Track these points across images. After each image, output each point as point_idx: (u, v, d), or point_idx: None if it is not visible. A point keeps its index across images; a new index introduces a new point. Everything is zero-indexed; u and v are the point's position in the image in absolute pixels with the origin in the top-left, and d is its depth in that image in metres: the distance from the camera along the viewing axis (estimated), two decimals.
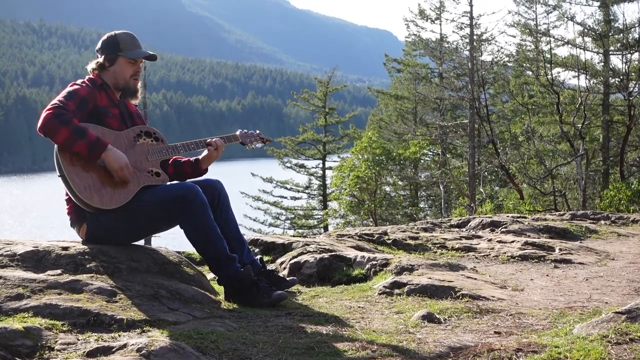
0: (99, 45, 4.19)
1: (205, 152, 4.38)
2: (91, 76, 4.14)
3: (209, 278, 4.39)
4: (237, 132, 4.54)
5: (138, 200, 3.86)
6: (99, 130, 3.87)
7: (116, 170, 3.81)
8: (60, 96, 3.85)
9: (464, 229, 7.96)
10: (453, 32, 30.95)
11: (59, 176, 3.75)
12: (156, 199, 3.86)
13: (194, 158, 4.41)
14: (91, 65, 4.18)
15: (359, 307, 3.89)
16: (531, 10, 30.13)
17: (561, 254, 5.93)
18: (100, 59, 4.13)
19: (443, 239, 6.76)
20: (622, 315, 3.03)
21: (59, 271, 3.55)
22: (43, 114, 3.71)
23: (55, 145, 3.75)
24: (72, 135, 3.68)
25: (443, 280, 4.34)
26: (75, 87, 3.96)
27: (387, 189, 31.98)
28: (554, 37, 25.63)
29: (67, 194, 3.88)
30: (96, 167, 3.80)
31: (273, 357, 2.74)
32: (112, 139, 3.90)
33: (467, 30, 29.31)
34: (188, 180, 4.26)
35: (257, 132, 4.65)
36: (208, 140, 4.35)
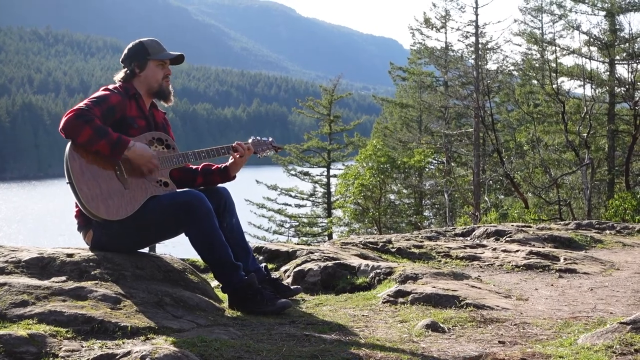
0: (124, 55, 4.18)
1: (231, 159, 4.33)
2: (122, 84, 4.11)
3: (213, 286, 4.39)
4: (250, 140, 4.47)
5: (144, 208, 3.85)
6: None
7: (145, 163, 3.86)
8: (88, 100, 3.84)
9: (468, 238, 7.95)
10: (458, 40, 30.96)
11: (67, 183, 3.74)
12: (162, 207, 3.86)
13: (223, 165, 4.37)
14: (119, 75, 4.16)
15: (363, 315, 3.88)
16: (537, 19, 30.22)
17: (566, 264, 5.91)
18: (130, 67, 4.12)
19: (447, 247, 6.76)
20: (627, 325, 3.03)
21: (63, 278, 3.56)
22: (66, 115, 3.71)
23: (66, 152, 3.74)
24: (94, 134, 3.68)
25: (447, 289, 4.33)
26: (106, 92, 3.94)
27: (392, 197, 31.91)
28: (559, 46, 25.70)
29: None
30: (105, 178, 3.79)
31: None
32: None
33: (473, 38, 29.36)
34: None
35: (270, 139, 4.56)
36: (234, 145, 4.28)
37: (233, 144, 4.30)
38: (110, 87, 4.04)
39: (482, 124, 24.17)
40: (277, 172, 35.07)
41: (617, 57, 24.11)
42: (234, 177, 4.39)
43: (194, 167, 4.36)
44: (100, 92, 3.95)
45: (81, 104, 3.79)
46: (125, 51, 4.18)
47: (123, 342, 2.92)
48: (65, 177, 3.74)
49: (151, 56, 4.14)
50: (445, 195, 28.58)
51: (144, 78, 4.14)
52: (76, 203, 3.92)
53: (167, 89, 4.23)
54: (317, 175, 33.62)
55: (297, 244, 7.18)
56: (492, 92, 27.00)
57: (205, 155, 4.20)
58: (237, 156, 4.30)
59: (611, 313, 3.94)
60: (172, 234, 4.05)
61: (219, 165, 4.38)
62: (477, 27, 28.93)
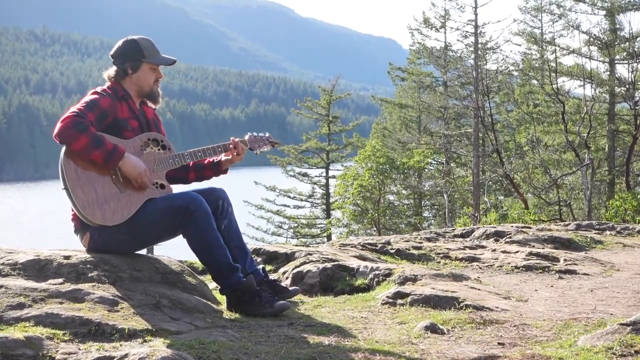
0: (115, 51, 4.10)
1: (225, 156, 4.29)
2: (111, 84, 4.07)
3: (211, 287, 4.37)
4: (246, 137, 4.41)
5: (141, 211, 3.84)
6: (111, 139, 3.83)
7: (135, 178, 3.81)
8: (80, 105, 3.80)
9: (467, 239, 7.93)
10: (458, 40, 30.92)
11: (62, 189, 3.72)
12: (159, 210, 3.84)
13: (216, 159, 4.33)
14: (109, 73, 4.10)
15: (362, 317, 3.87)
16: (537, 19, 30.16)
17: (566, 265, 5.90)
18: (123, 66, 4.06)
19: (447, 248, 6.75)
20: (627, 327, 3.01)
21: (60, 280, 3.54)
22: (61, 121, 3.67)
23: (61, 157, 3.71)
24: (90, 143, 3.66)
25: (446, 291, 4.32)
26: (97, 96, 3.89)
27: (391, 198, 31.93)
28: (559, 46, 25.68)
29: None
30: (101, 182, 3.77)
31: None
32: None
33: (472, 38, 29.36)
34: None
35: (267, 135, 4.50)
36: (235, 141, 4.23)
37: (230, 141, 4.24)
38: (99, 89, 3.99)
39: (481, 125, 24.14)
40: (275, 173, 35.09)
41: (617, 57, 24.13)
42: (226, 171, 4.37)
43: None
44: (90, 97, 3.90)
45: (74, 109, 3.74)
46: (118, 47, 4.11)
47: (120, 345, 2.91)
48: (61, 183, 3.72)
49: (146, 59, 4.08)
50: (445, 196, 28.58)
51: (136, 80, 4.09)
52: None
53: (157, 92, 4.20)
54: (316, 176, 33.64)
55: (296, 245, 7.17)
56: (492, 92, 26.98)
57: (201, 154, 4.16)
58: (235, 154, 4.26)
59: (611, 314, 3.93)
60: (169, 236, 4.04)
61: (211, 160, 4.35)
62: (476, 26, 28.92)
